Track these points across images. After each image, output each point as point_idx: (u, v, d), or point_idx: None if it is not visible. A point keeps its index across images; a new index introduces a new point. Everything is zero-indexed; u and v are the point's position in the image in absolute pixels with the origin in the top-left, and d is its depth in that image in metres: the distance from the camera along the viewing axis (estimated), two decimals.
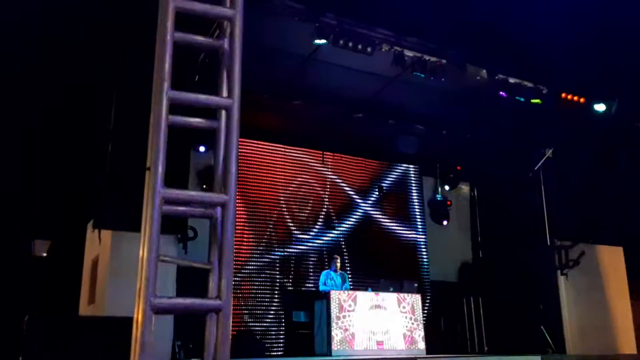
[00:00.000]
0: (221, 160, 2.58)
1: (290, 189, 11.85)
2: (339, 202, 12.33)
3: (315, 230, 11.86)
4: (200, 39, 2.65)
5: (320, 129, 11.47)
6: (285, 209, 11.66)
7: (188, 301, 2.27)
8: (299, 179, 11.99)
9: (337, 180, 12.43)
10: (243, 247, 11.03)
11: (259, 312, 10.84)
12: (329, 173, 12.37)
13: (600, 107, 10.60)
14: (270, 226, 11.43)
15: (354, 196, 12.55)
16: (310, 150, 12.23)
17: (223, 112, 2.66)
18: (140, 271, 2.30)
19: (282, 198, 11.68)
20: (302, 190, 11.96)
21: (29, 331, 6.59)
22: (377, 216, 12.70)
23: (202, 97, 2.52)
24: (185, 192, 2.42)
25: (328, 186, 12.27)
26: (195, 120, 2.66)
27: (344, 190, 12.45)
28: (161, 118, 2.39)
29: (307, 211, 11.89)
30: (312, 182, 12.10)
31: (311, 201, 12.00)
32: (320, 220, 11.99)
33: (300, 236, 11.67)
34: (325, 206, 12.12)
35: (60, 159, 9.72)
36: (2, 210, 9.61)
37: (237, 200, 10.32)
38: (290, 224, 11.64)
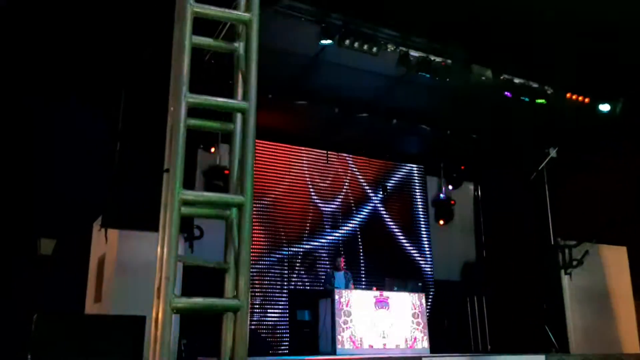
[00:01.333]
0: (237, 162, 2.62)
1: (293, 189, 11.88)
2: (343, 202, 12.36)
3: (319, 230, 11.89)
4: (215, 42, 2.69)
5: (324, 128, 11.50)
6: (288, 209, 11.70)
7: (208, 301, 2.31)
8: (303, 179, 12.02)
9: (341, 180, 12.46)
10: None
11: (263, 310, 10.89)
12: (333, 173, 12.41)
13: (605, 107, 10.62)
14: (275, 226, 11.47)
15: (358, 196, 12.58)
16: (315, 150, 12.27)
17: (239, 115, 2.70)
18: (159, 271, 2.34)
19: (284, 198, 11.71)
20: (304, 190, 11.99)
21: (37, 329, 6.65)
22: (381, 215, 12.73)
23: (220, 101, 2.57)
24: (203, 194, 2.46)
25: (332, 186, 12.30)
26: (212, 123, 2.70)
27: (348, 190, 12.49)
28: (180, 121, 2.43)
29: (311, 211, 11.92)
30: (315, 183, 12.13)
31: (314, 201, 12.03)
32: (324, 220, 12.03)
33: (304, 236, 11.71)
34: (329, 206, 12.15)
35: (67, 158, 9.78)
36: (8, 209, 9.67)
37: None
38: (294, 224, 11.68)
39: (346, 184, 12.48)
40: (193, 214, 2.57)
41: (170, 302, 2.22)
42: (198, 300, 2.30)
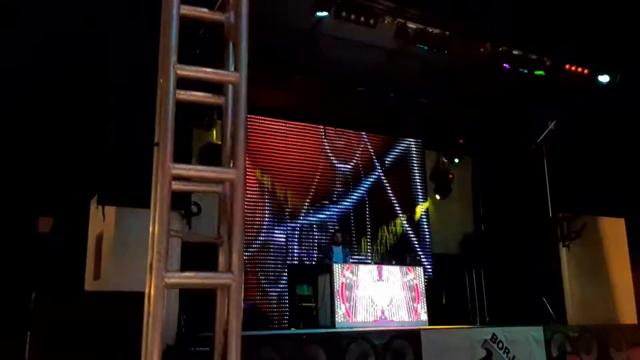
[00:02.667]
0: (229, 135, 2.57)
1: (292, 164, 11.83)
2: (341, 177, 12.33)
3: (317, 205, 11.88)
4: (205, 12, 2.62)
5: (321, 103, 11.39)
6: (287, 185, 11.67)
7: (200, 275, 2.28)
8: (301, 155, 11.96)
9: (339, 155, 12.41)
10: (248, 223, 11.08)
11: (263, 286, 10.94)
12: (331, 148, 12.34)
13: (604, 78, 10.54)
14: (275, 201, 11.46)
15: (357, 170, 12.54)
16: (312, 125, 12.18)
17: (230, 87, 2.64)
18: (151, 246, 2.30)
19: (282, 174, 11.67)
20: (303, 165, 11.94)
21: (37, 307, 6.66)
22: (379, 190, 12.71)
23: (210, 71, 2.50)
24: (195, 167, 2.41)
25: (330, 161, 12.25)
26: (202, 94, 2.64)
27: (347, 164, 12.44)
28: (169, 92, 2.37)
29: (309, 186, 11.89)
30: (313, 158, 12.07)
31: (313, 176, 11.99)
32: (323, 195, 12.01)
33: (304, 211, 11.70)
34: (327, 181, 12.12)
35: (63, 135, 9.70)
36: (6, 188, 9.62)
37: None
38: (293, 199, 11.66)
39: (343, 159, 12.43)
40: (185, 189, 2.52)
41: (162, 277, 2.19)
42: (190, 275, 2.28)
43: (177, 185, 2.42)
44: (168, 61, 2.41)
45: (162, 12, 2.55)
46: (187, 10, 2.53)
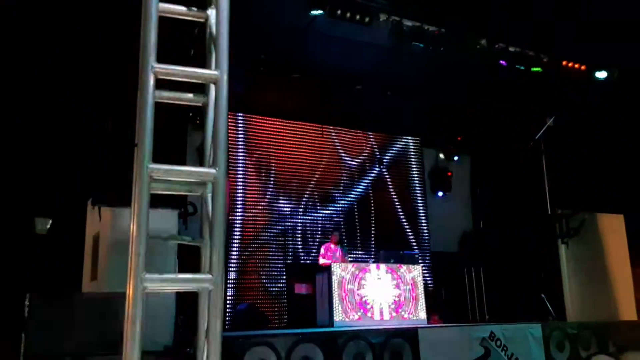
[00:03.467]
0: (210, 135, 2.55)
1: (290, 163, 11.81)
2: (340, 175, 12.30)
3: (317, 203, 11.86)
4: (185, 10, 2.59)
5: (319, 102, 11.37)
6: (286, 183, 11.65)
7: (179, 277, 2.26)
8: (300, 154, 11.94)
9: (338, 154, 12.38)
10: (248, 222, 11.10)
11: (261, 285, 10.93)
12: (329, 146, 12.31)
13: (601, 75, 10.50)
14: (275, 200, 11.44)
15: (355, 169, 12.51)
16: (310, 124, 12.15)
17: (212, 86, 2.62)
18: (130, 247, 2.28)
19: (282, 173, 11.65)
20: (301, 164, 11.92)
21: (32, 308, 6.64)
22: (378, 188, 12.68)
23: (190, 71, 2.48)
24: (173, 167, 2.38)
25: (328, 160, 12.22)
26: (184, 95, 2.61)
27: (345, 163, 12.41)
28: (147, 92, 2.35)
29: (307, 185, 11.87)
30: (312, 157, 12.05)
31: (311, 175, 11.97)
32: (322, 193, 11.98)
33: (302, 210, 11.68)
34: (326, 179, 12.09)
35: (60, 136, 9.68)
36: (3, 189, 9.61)
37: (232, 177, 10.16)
38: (292, 198, 11.64)
39: (342, 157, 12.40)
40: (166, 190, 2.50)
41: (141, 279, 2.17)
42: (169, 277, 2.26)
43: (157, 186, 2.40)
44: (147, 61, 2.39)
45: (142, 11, 2.53)
46: (166, 8, 2.51)
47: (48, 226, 10.30)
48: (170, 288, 2.32)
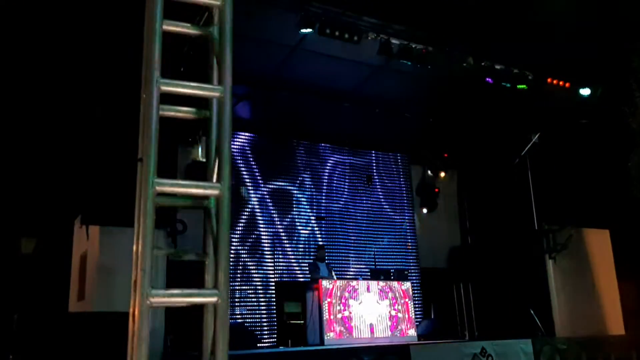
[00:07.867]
0: (214, 150, 2.54)
1: (278, 180, 11.80)
2: (328, 192, 12.30)
3: (304, 221, 11.83)
4: (189, 27, 2.60)
5: (307, 119, 11.40)
6: (274, 201, 11.61)
7: (186, 292, 2.23)
8: (287, 171, 11.93)
9: (326, 171, 12.39)
10: (235, 239, 11.00)
11: (250, 303, 10.83)
12: (317, 163, 12.33)
13: (585, 92, 10.69)
14: (264, 217, 11.39)
15: (343, 186, 12.53)
16: (299, 141, 12.17)
17: (214, 102, 2.61)
18: (135, 264, 2.25)
19: (269, 190, 11.62)
20: (289, 181, 11.91)
21: (19, 329, 6.53)
22: (366, 205, 12.70)
23: (194, 86, 2.47)
24: (180, 183, 2.37)
25: (316, 176, 12.23)
26: (186, 110, 2.61)
27: (333, 180, 12.42)
28: (152, 107, 2.34)
29: (295, 202, 11.85)
30: (300, 173, 12.05)
31: (299, 192, 11.95)
32: (310, 210, 11.96)
33: (290, 227, 11.63)
34: (314, 197, 12.09)
35: (46, 155, 9.59)
36: None
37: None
38: (280, 215, 11.60)
39: (330, 174, 12.41)
40: (169, 204, 2.48)
41: (147, 296, 2.14)
42: (175, 293, 2.22)
43: (161, 201, 2.38)
44: (151, 76, 2.38)
45: (145, 26, 2.53)
46: (171, 25, 2.51)
47: (34, 246, 10.17)
48: (177, 303, 2.28)
